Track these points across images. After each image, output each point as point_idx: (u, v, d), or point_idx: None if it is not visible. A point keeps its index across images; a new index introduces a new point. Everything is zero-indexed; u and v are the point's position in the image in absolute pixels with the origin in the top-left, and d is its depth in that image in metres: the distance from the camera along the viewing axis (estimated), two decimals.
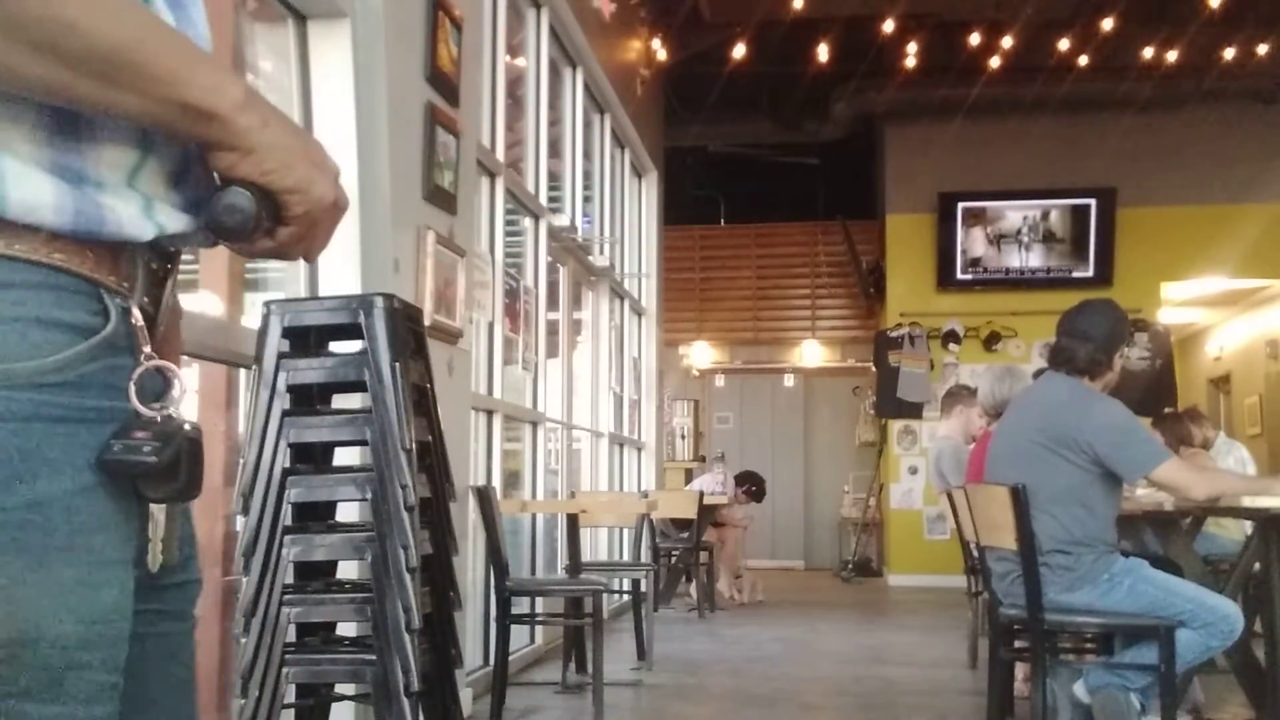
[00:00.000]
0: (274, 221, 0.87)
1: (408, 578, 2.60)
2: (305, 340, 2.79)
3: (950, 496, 5.35)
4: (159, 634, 0.96)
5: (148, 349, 0.86)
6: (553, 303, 6.78)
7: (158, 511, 0.89)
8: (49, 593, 0.77)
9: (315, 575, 2.80)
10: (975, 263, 11.03)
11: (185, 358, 1.18)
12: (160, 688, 0.97)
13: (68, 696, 0.79)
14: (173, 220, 0.86)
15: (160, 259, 0.91)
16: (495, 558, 4.45)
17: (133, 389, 0.84)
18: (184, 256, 1.01)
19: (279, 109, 0.88)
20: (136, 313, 0.86)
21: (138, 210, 0.84)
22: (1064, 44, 9.35)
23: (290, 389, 2.72)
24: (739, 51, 9.10)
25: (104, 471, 0.81)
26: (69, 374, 0.79)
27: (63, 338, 0.79)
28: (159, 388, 0.87)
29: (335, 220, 0.94)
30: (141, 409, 0.84)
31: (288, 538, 2.69)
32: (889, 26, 9.08)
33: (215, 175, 0.87)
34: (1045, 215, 10.93)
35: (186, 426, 0.86)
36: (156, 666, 0.96)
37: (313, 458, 2.81)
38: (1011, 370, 5.39)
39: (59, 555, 0.78)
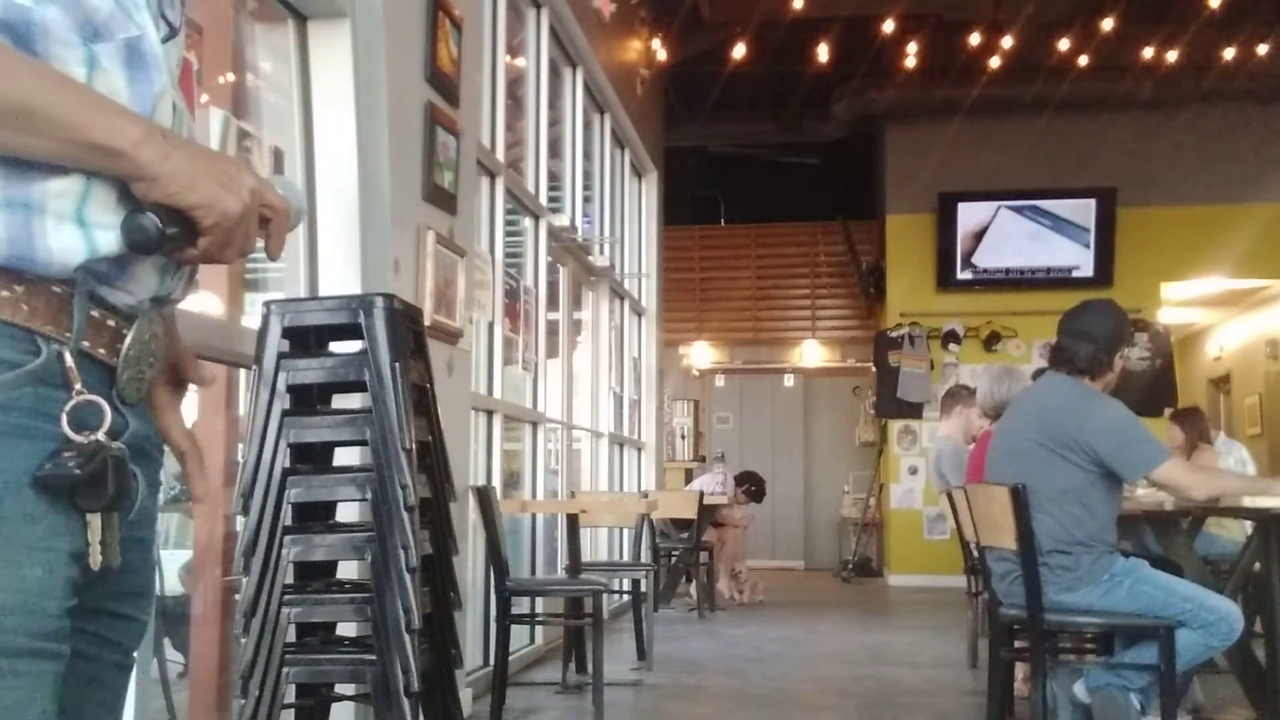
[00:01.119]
0: (193, 233, 1.03)
1: (408, 578, 2.60)
2: (305, 340, 2.79)
3: (950, 497, 5.35)
4: (93, 658, 1.11)
5: (78, 386, 1.01)
6: (553, 303, 6.78)
7: (93, 519, 1.02)
8: None
9: (315, 575, 2.80)
10: (975, 263, 11.03)
11: None
12: (90, 708, 1.12)
13: (4, 651, 0.95)
14: (111, 243, 1.01)
15: (117, 316, 1.06)
16: (495, 558, 4.45)
17: (65, 419, 1.00)
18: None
19: (186, 140, 1.06)
20: (68, 356, 1.01)
21: (77, 240, 1.00)
22: (1064, 44, 9.35)
23: (290, 389, 2.72)
24: (739, 51, 9.10)
25: (37, 484, 0.97)
26: None
27: None
28: (98, 420, 1.02)
29: (280, 224, 1.10)
30: (72, 435, 1.00)
31: (288, 538, 2.69)
32: (889, 26, 9.07)
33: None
34: (1045, 215, 10.92)
35: (112, 447, 1.03)
36: (84, 686, 1.11)
37: (313, 458, 2.81)
38: (1010, 371, 5.39)
39: None
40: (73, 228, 0.99)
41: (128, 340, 1.07)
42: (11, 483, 0.96)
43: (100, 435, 1.02)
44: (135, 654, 1.19)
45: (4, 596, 0.95)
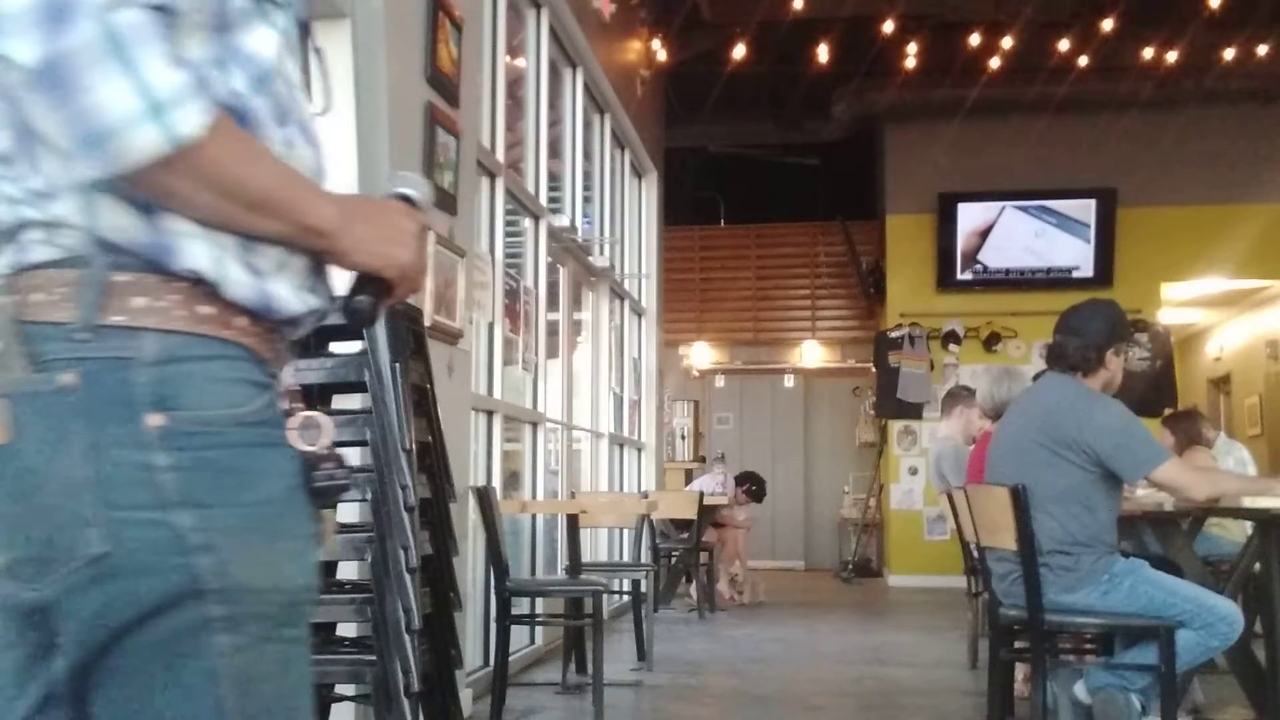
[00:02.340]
0: (387, 287, 1.22)
1: (408, 578, 2.60)
2: (305, 340, 2.79)
3: (950, 497, 5.35)
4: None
5: (296, 404, 1.24)
6: (553, 303, 6.77)
7: (328, 513, 1.24)
8: (284, 557, 1.13)
9: None
10: (975, 263, 11.03)
11: None
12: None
13: (301, 621, 1.16)
14: (312, 301, 1.20)
15: (291, 347, 1.26)
16: (495, 558, 4.45)
17: (294, 434, 1.19)
18: None
19: (356, 204, 1.22)
20: (282, 378, 1.22)
21: (291, 294, 1.18)
22: (1064, 44, 9.35)
23: None
24: (739, 51, 9.10)
25: (313, 495, 1.18)
26: (265, 414, 1.14)
27: (254, 390, 1.14)
28: (317, 432, 1.23)
29: (423, 244, 1.28)
30: (302, 446, 1.19)
31: None
32: (889, 26, 9.07)
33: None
34: (1045, 215, 10.92)
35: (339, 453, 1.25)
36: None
37: None
38: (1010, 371, 5.40)
39: (284, 532, 1.14)
40: (287, 287, 1.17)
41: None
42: (291, 486, 1.15)
43: (326, 443, 1.21)
44: None
45: (305, 579, 1.15)
